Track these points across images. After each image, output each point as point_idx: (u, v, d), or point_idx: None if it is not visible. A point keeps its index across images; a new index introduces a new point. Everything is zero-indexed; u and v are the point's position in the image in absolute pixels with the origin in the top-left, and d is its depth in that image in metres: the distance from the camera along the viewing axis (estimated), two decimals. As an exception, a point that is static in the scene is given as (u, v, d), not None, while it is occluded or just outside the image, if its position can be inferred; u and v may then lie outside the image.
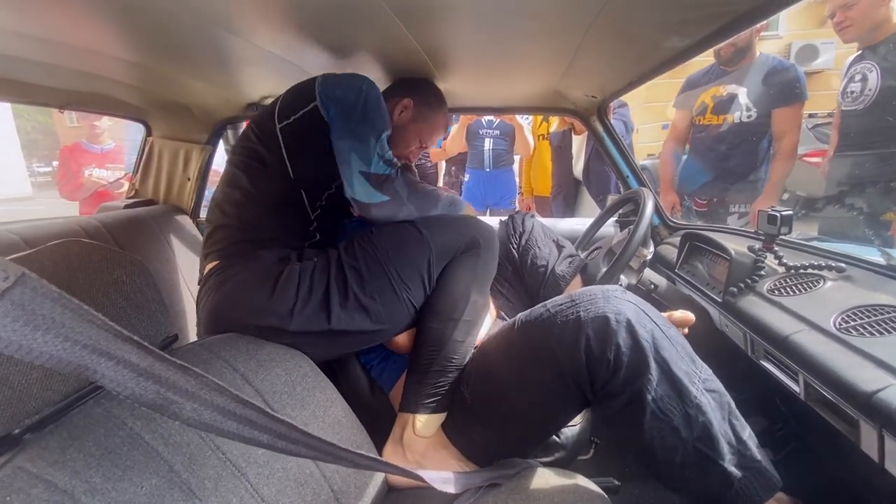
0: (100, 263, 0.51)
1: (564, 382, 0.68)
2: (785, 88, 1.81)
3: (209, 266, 0.86)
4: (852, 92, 1.69)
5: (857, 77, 1.67)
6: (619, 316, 0.65)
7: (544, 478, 0.71)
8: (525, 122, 2.49)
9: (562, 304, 0.71)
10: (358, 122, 0.86)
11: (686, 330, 0.83)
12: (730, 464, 0.62)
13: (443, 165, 2.88)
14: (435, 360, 0.80)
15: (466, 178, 2.67)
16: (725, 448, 0.62)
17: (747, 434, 0.65)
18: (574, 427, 0.93)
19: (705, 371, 0.67)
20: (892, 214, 1.63)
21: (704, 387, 0.65)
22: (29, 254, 0.48)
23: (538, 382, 0.71)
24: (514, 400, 0.74)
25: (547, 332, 0.70)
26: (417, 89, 1.06)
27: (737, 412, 0.67)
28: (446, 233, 0.86)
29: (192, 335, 1.36)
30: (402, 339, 0.91)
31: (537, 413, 0.74)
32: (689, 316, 0.83)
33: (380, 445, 0.80)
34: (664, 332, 0.66)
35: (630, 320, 0.64)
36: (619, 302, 0.67)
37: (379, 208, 0.85)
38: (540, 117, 2.50)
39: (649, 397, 0.62)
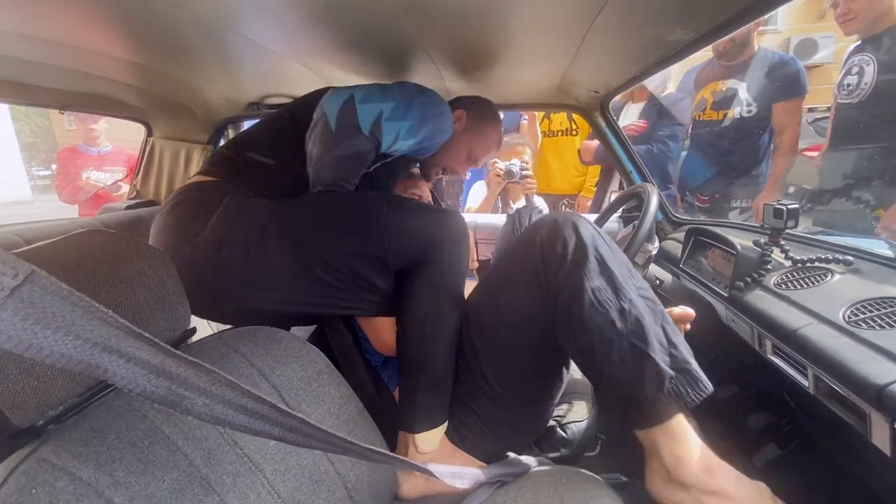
0: (123, 254, 0.51)
1: (531, 284, 0.74)
2: (785, 82, 1.80)
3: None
4: (848, 85, 1.65)
5: (854, 69, 1.63)
6: (566, 219, 0.75)
7: (552, 475, 0.72)
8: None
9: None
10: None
11: (688, 326, 0.84)
12: (662, 362, 0.65)
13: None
14: (419, 382, 0.80)
15: (468, 176, 2.67)
16: (658, 346, 0.66)
17: (679, 341, 0.68)
18: (581, 423, 0.93)
19: (643, 283, 0.73)
20: (880, 211, 1.61)
21: (639, 294, 0.70)
22: (53, 242, 0.48)
23: (514, 301, 0.77)
24: (502, 329, 0.79)
25: (511, 249, 0.81)
26: (471, 103, 1.12)
27: (672, 323, 0.70)
28: (406, 232, 0.84)
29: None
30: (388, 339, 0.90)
31: (523, 343, 0.77)
32: (689, 312, 0.84)
33: (390, 443, 0.80)
34: (605, 241, 0.73)
35: (575, 222, 0.73)
36: (567, 214, 0.77)
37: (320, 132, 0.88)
38: (542, 114, 2.49)
39: (587, 286, 0.68)
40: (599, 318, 0.67)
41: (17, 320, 0.27)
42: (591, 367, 0.69)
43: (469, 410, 0.81)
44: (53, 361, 0.29)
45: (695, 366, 0.66)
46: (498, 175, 1.74)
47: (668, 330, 0.68)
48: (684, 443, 0.64)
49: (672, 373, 0.64)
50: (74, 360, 0.30)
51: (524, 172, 1.70)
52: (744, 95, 1.85)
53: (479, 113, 1.10)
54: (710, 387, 0.65)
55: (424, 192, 1.23)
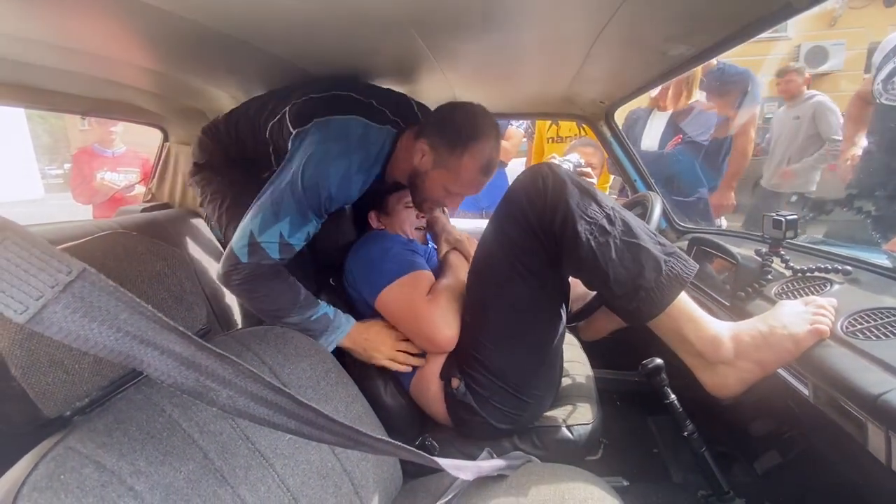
0: (144, 255, 0.53)
1: (524, 226, 0.80)
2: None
3: None
4: None
5: None
6: (540, 165, 0.83)
7: (554, 473, 0.73)
8: (511, 124, 2.46)
9: None
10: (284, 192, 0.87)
11: None
12: (654, 249, 0.74)
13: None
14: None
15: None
16: (647, 238, 0.75)
17: (659, 235, 0.78)
18: (586, 426, 0.94)
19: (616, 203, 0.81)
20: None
21: (617, 206, 0.79)
22: (79, 243, 0.51)
23: (505, 238, 0.84)
24: (493, 269, 0.87)
25: (499, 207, 0.86)
26: (437, 128, 0.92)
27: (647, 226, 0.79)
28: None
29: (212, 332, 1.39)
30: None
31: (514, 270, 0.84)
32: None
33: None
34: (579, 177, 0.80)
35: (549, 164, 0.82)
36: (541, 163, 0.84)
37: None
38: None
39: (573, 204, 0.75)
40: (591, 228, 0.74)
41: (68, 313, 0.30)
42: (598, 276, 0.75)
43: (477, 363, 0.88)
44: (97, 352, 0.32)
45: (679, 250, 0.76)
46: None
47: (649, 227, 0.78)
48: (701, 321, 0.74)
49: (664, 257, 0.73)
50: (115, 352, 0.33)
51: (580, 169, 1.51)
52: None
53: (447, 143, 0.90)
54: (696, 264, 0.75)
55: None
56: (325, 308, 0.94)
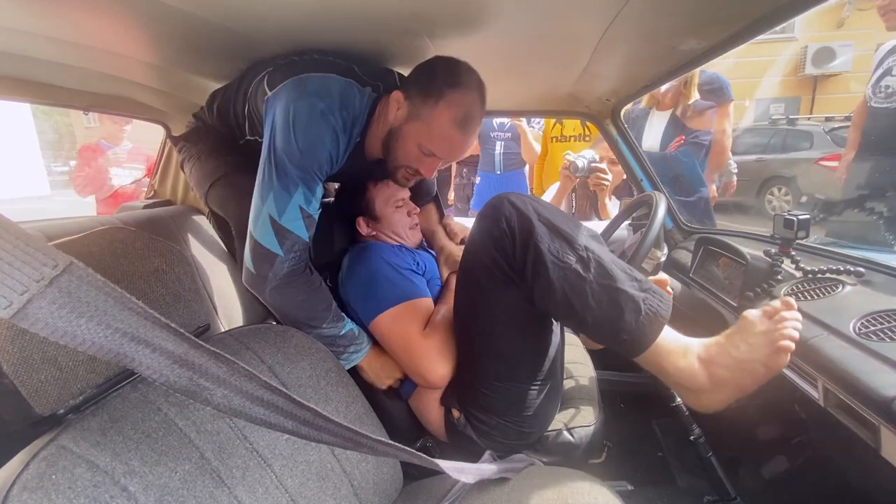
0: (142, 251, 0.53)
1: (496, 273, 0.77)
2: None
3: None
4: (887, 87, 1.53)
5: None
6: (501, 199, 0.78)
7: (556, 476, 0.72)
8: (533, 126, 2.47)
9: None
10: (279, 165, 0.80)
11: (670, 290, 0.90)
12: (632, 288, 0.70)
13: (454, 167, 2.90)
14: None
15: (478, 180, 2.69)
16: (623, 277, 0.71)
17: (630, 267, 0.75)
18: (588, 428, 0.93)
19: (590, 231, 0.78)
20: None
21: (589, 236, 0.75)
22: (75, 238, 0.50)
23: (480, 288, 0.81)
24: (474, 318, 0.84)
25: (467, 246, 0.84)
26: (414, 78, 0.87)
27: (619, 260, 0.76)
28: None
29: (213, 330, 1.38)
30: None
31: (496, 319, 0.82)
32: (664, 278, 0.95)
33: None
34: (541, 202, 0.77)
35: (511, 199, 0.76)
36: (500, 194, 0.79)
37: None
38: (553, 119, 2.50)
39: (544, 248, 0.72)
40: (565, 273, 0.71)
41: (54, 308, 0.29)
42: (576, 320, 0.73)
43: (479, 407, 0.86)
44: (85, 349, 0.31)
45: (653, 285, 0.74)
46: (565, 169, 1.53)
47: (622, 262, 0.75)
48: (679, 352, 0.71)
49: (643, 295, 0.70)
50: (104, 349, 0.32)
51: (594, 164, 1.46)
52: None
53: (422, 92, 0.83)
54: (670, 298, 0.73)
55: (403, 193, 1.12)
56: (350, 324, 0.92)
